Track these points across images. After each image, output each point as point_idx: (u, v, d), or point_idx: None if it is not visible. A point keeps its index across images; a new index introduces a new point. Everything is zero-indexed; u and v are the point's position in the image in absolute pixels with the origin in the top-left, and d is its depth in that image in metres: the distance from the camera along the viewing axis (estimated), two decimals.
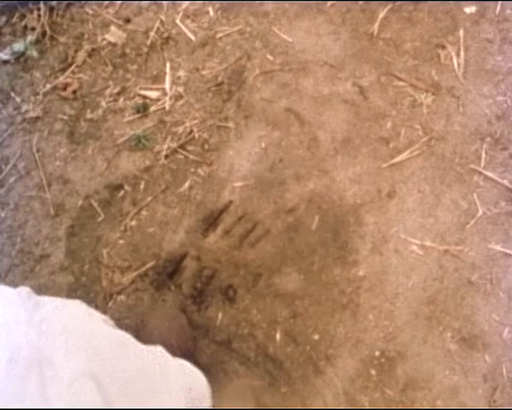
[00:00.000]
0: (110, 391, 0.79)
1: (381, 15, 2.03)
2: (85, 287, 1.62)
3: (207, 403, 1.14)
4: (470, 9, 2.04)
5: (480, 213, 1.63)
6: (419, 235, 1.62)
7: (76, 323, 0.81)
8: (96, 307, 1.57)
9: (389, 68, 1.91)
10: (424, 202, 1.66)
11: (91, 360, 0.78)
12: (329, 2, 2.07)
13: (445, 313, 1.51)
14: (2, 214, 1.76)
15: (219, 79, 1.95)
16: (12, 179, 1.83)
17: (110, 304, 1.59)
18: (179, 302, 1.56)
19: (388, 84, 1.88)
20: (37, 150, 1.86)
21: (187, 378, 1.06)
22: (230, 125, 1.85)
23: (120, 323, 1.55)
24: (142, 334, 1.40)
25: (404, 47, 1.96)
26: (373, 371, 1.45)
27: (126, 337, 0.91)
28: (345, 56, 1.96)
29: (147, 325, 1.44)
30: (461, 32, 1.96)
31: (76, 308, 0.87)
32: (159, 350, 1.03)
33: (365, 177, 1.72)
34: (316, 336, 1.51)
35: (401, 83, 1.88)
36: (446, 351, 1.47)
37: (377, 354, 1.47)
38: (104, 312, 1.56)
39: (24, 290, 0.79)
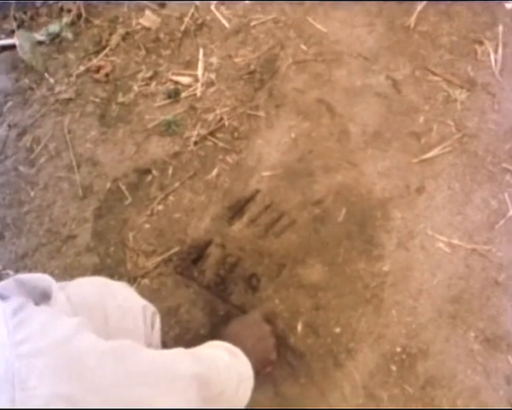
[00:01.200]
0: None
1: (419, 8, 2.00)
2: (110, 269, 1.63)
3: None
4: (511, 5, 2.00)
5: (511, 213, 1.60)
6: (447, 232, 1.60)
7: (65, 342, 0.79)
8: None
9: (424, 62, 1.89)
10: (453, 199, 1.64)
11: (70, 381, 0.77)
12: None
13: (469, 313, 1.49)
14: (32, 194, 1.78)
15: (252, 67, 1.94)
16: (42, 160, 1.85)
17: (134, 287, 1.59)
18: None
19: (422, 79, 1.86)
20: (69, 132, 1.88)
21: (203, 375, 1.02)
22: (261, 113, 1.84)
23: None
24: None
25: (440, 41, 1.93)
26: (393, 367, 1.44)
27: (126, 346, 0.88)
28: (379, 48, 1.93)
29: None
30: (500, 28, 1.93)
31: (74, 322, 0.83)
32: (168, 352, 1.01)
33: (394, 171, 1.70)
34: (337, 329, 1.50)
35: (436, 77, 1.86)
36: (469, 351, 1.45)
37: (399, 350, 1.46)
38: None
39: (10, 307, 0.77)
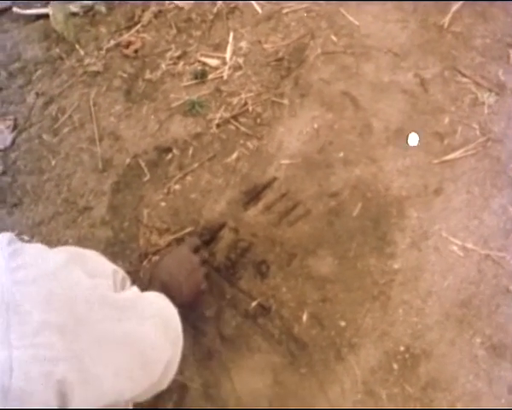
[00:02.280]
0: (78, 343, 0.81)
1: (454, 8, 1.98)
2: (123, 243, 1.65)
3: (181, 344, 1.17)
4: None
5: None
6: (461, 236, 1.58)
7: (55, 273, 0.82)
8: (130, 265, 1.60)
9: (454, 63, 1.87)
10: (471, 203, 1.62)
11: (61, 311, 0.79)
12: None
13: (477, 318, 1.48)
14: (53, 163, 1.81)
15: (280, 54, 1.93)
16: (66, 130, 1.87)
17: (144, 263, 1.61)
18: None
19: (451, 79, 1.84)
20: (94, 104, 1.90)
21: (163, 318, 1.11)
22: (285, 101, 1.84)
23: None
24: (155, 271, 1.45)
25: (473, 43, 1.91)
26: (395, 366, 1.43)
27: (105, 286, 0.94)
28: (410, 46, 1.91)
29: (160, 261, 1.47)
30: None
31: (62, 257, 0.87)
32: (134, 290, 1.07)
33: (414, 170, 1.68)
34: (342, 323, 1.49)
35: (465, 79, 1.83)
36: (473, 356, 1.43)
37: (402, 349, 1.45)
38: (137, 271, 1.59)
39: (5, 237, 0.81)
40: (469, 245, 1.56)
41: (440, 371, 1.42)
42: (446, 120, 1.76)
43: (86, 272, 1.18)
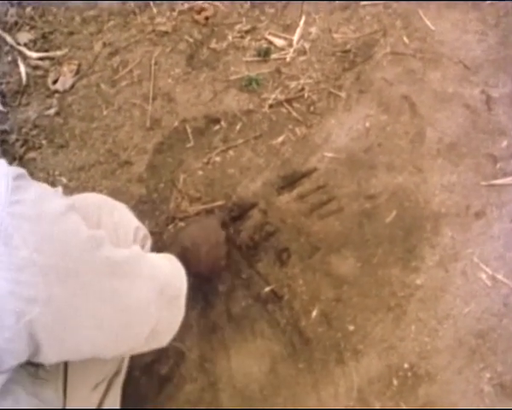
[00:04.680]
0: (61, 289, 0.81)
1: None
2: (154, 203, 1.66)
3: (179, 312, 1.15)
4: None
5: None
6: (493, 265, 1.51)
7: (54, 216, 0.82)
8: (156, 226, 1.61)
9: None
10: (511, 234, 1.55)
11: (51, 255, 0.79)
12: (488, 2, 1.94)
13: (491, 352, 1.41)
14: (105, 112, 1.83)
15: (348, 46, 1.89)
16: (124, 83, 1.89)
17: (170, 227, 1.62)
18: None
19: None
20: (155, 63, 1.91)
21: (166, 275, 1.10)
22: (342, 94, 1.80)
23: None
24: (179, 235, 1.47)
25: None
26: (395, 381, 1.39)
27: (103, 237, 0.92)
28: (484, 61, 1.83)
29: (187, 227, 1.50)
30: None
31: (65, 203, 0.87)
32: (137, 249, 1.05)
33: (459, 188, 1.62)
34: (351, 327, 1.46)
35: None
36: (479, 390, 1.37)
37: (406, 366, 1.41)
38: (161, 233, 1.60)
39: (15, 171, 0.81)
40: (499, 276, 1.50)
41: (440, 398, 1.37)
42: (504, 144, 1.68)
43: (110, 220, 1.20)
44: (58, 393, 0.99)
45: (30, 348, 0.81)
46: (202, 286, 1.52)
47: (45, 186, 0.90)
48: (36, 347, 0.81)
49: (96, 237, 0.90)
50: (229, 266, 1.54)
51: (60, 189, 1.08)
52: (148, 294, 1.01)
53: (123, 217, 1.26)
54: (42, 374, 0.92)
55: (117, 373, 1.20)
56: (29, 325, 0.78)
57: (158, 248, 1.50)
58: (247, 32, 1.96)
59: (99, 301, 0.89)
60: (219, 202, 1.64)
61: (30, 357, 0.82)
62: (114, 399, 1.20)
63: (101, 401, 1.14)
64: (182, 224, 1.62)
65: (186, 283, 1.20)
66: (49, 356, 0.85)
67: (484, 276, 1.50)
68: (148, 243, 1.31)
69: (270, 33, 1.95)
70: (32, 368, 0.89)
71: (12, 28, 2.05)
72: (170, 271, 1.16)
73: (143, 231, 1.29)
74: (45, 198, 0.84)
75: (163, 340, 1.14)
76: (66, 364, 1.00)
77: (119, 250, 0.96)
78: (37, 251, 0.78)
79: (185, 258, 1.26)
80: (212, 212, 1.63)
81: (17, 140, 1.82)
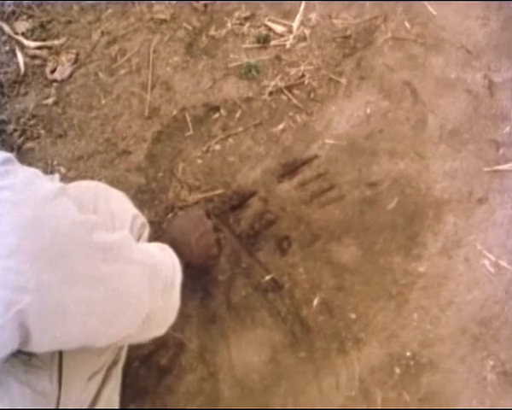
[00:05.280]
0: (50, 275, 0.79)
1: None
2: (153, 192, 1.65)
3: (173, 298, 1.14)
4: None
5: None
6: (496, 252, 1.49)
7: (42, 201, 0.81)
8: (155, 215, 1.60)
9: None
10: None
11: (39, 240, 0.78)
12: None
13: (494, 340, 1.40)
14: (103, 102, 1.81)
15: (348, 32, 1.87)
16: (122, 72, 1.87)
17: (169, 216, 1.60)
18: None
19: None
20: (154, 51, 1.89)
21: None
22: (343, 81, 1.78)
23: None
24: (167, 226, 1.50)
25: None
26: (397, 370, 1.37)
27: (94, 222, 0.90)
28: (486, 45, 1.81)
29: (174, 219, 1.51)
30: None
31: (54, 187, 0.85)
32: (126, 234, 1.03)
33: (461, 174, 1.60)
34: (352, 315, 1.44)
35: None
36: (482, 378, 1.36)
37: (408, 354, 1.39)
38: (160, 222, 1.59)
39: (1, 155, 0.79)
40: (503, 263, 1.48)
41: (443, 386, 1.36)
42: (507, 129, 1.65)
43: (107, 208, 1.18)
44: (53, 382, 0.97)
45: (20, 337, 0.79)
46: (201, 276, 1.50)
47: (36, 171, 0.88)
48: (26, 336, 0.80)
49: (87, 221, 0.88)
50: (230, 255, 1.53)
51: (56, 176, 1.06)
52: (141, 279, 1.00)
53: (120, 205, 1.24)
54: (35, 362, 0.90)
55: (115, 362, 1.19)
56: (19, 314, 0.77)
57: (157, 237, 1.49)
58: (246, 18, 1.93)
59: (90, 287, 0.87)
60: (219, 191, 1.63)
61: (20, 346, 0.81)
62: (113, 389, 1.18)
63: (99, 391, 1.13)
64: (182, 213, 1.60)
65: (180, 271, 1.19)
66: (41, 345, 0.83)
67: (487, 262, 1.48)
68: (146, 231, 1.30)
69: (269, 20, 1.92)
70: (24, 356, 0.87)
71: (9, 17, 2.03)
72: (162, 258, 1.14)
73: (141, 219, 1.28)
74: (35, 182, 0.83)
75: (159, 328, 1.13)
76: (60, 353, 0.98)
77: (109, 235, 0.94)
78: (24, 237, 0.77)
79: (176, 249, 1.25)
80: (211, 200, 1.61)
81: (15, 130, 1.80)
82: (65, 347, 0.92)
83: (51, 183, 0.87)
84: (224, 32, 1.92)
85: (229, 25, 1.93)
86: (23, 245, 0.76)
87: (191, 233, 1.39)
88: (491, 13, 1.87)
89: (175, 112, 1.77)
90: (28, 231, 0.77)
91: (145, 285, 1.01)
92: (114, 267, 0.93)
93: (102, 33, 1.96)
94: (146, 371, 1.42)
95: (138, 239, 1.23)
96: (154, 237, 1.41)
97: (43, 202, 0.81)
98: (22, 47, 1.96)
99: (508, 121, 1.67)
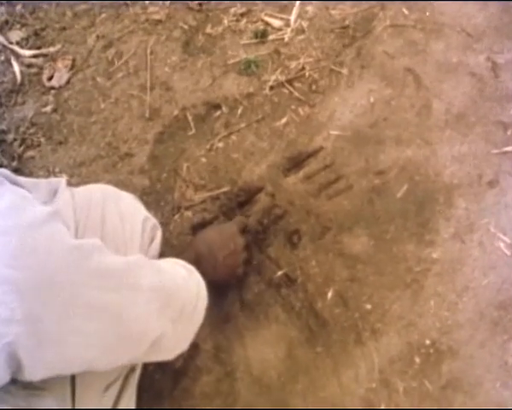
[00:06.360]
0: (41, 305, 0.76)
1: None
2: (158, 194, 1.62)
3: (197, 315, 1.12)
4: None
5: None
6: (511, 234, 1.47)
7: (31, 226, 0.77)
8: (162, 216, 1.57)
9: None
10: None
11: (28, 269, 0.75)
12: None
13: None
14: (102, 106, 1.79)
15: (346, 22, 1.84)
16: (120, 75, 1.85)
17: (176, 217, 1.58)
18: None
19: None
20: (151, 53, 1.87)
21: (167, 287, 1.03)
22: (344, 71, 1.75)
23: (180, 238, 1.55)
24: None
25: None
26: (417, 359, 1.35)
27: (93, 246, 0.86)
28: (486, 27, 1.78)
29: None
30: None
31: (44, 210, 0.81)
32: (140, 257, 0.99)
33: (470, 158, 1.57)
34: (368, 306, 1.42)
35: None
36: (503, 363, 1.33)
37: (428, 342, 1.36)
38: (167, 223, 1.56)
39: None
40: None
41: (465, 373, 1.33)
42: None
43: (116, 211, 1.15)
44: (64, 398, 0.94)
45: (11, 367, 0.75)
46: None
47: (24, 193, 0.84)
48: (18, 366, 0.76)
49: (83, 245, 0.84)
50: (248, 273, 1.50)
51: (63, 180, 1.04)
52: (148, 306, 0.95)
53: (129, 207, 1.21)
54: (37, 383, 0.84)
55: (133, 369, 1.16)
56: (8, 346, 0.73)
57: (164, 238, 1.46)
58: (242, 14, 1.91)
59: (88, 317, 0.83)
60: (225, 189, 1.60)
61: (13, 375, 0.77)
62: (129, 398, 1.15)
63: (117, 400, 1.10)
64: (188, 213, 1.58)
65: (205, 297, 1.16)
66: (34, 374, 0.79)
67: (502, 245, 1.46)
68: (159, 233, 1.26)
69: (266, 14, 1.90)
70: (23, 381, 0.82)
71: (3, 27, 2.01)
72: (184, 283, 1.10)
73: (152, 221, 1.24)
74: (21, 206, 0.79)
75: (168, 354, 1.09)
76: None
77: (113, 259, 0.90)
78: (11, 267, 0.73)
79: (199, 264, 1.22)
80: (217, 198, 1.59)
81: (15, 139, 1.78)
82: (63, 373, 0.86)
83: (42, 207, 0.84)
84: (220, 29, 1.89)
85: (225, 22, 1.90)
86: (8, 276, 0.73)
87: (219, 251, 1.33)
88: None
89: (176, 112, 1.75)
90: (14, 261, 0.74)
91: (153, 312, 0.97)
92: (116, 296, 0.89)
93: (98, 37, 1.94)
94: (161, 374, 1.39)
95: (151, 243, 1.20)
96: (163, 238, 1.37)
97: (30, 229, 0.77)
98: (17, 56, 1.94)
99: None
